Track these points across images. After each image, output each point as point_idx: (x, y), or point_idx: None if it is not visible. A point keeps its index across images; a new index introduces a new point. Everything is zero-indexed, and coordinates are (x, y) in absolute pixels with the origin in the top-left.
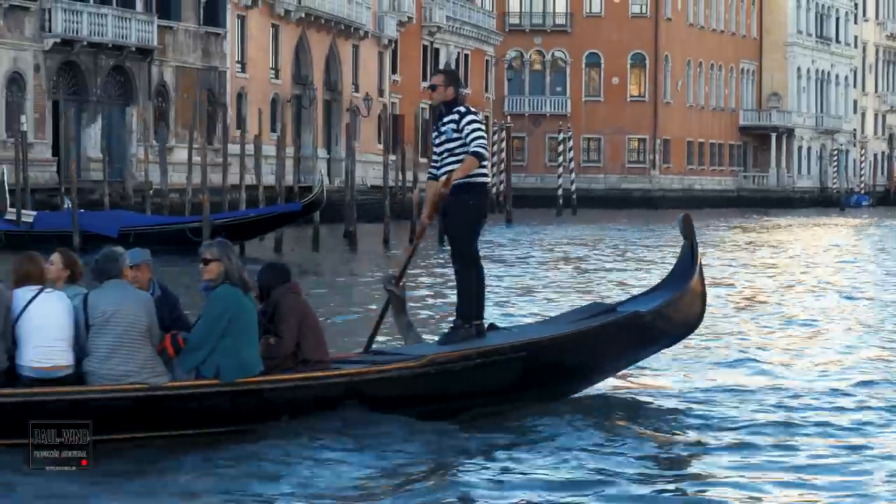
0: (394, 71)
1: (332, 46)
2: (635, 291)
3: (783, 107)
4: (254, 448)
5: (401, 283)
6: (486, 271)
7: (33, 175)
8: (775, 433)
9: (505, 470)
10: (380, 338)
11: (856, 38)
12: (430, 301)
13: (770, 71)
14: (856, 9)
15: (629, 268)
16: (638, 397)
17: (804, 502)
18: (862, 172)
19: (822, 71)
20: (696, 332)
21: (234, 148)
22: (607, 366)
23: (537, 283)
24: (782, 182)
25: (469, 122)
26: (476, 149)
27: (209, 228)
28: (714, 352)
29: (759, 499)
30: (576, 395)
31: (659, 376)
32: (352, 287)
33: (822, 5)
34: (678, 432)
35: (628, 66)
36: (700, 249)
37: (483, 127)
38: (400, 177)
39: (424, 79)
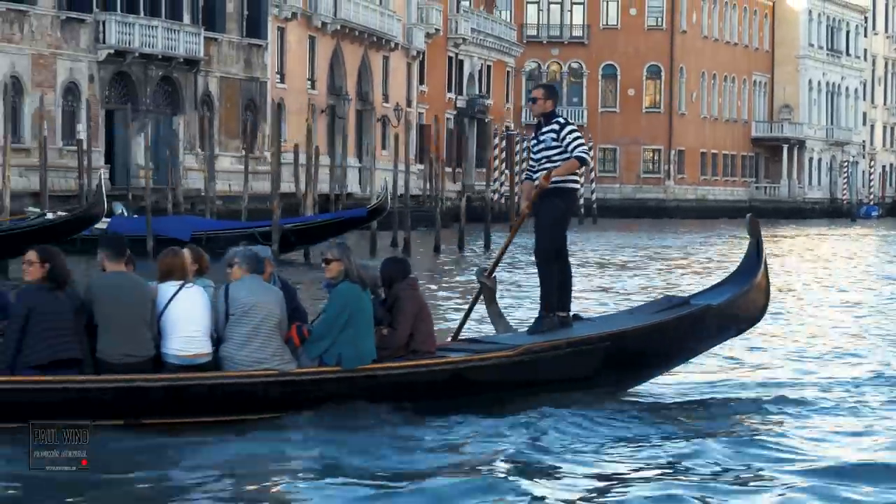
0: (420, 82)
1: (364, 58)
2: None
3: (794, 118)
4: (263, 442)
5: (492, 276)
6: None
7: (86, 182)
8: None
9: (566, 453)
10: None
11: (865, 51)
12: (516, 292)
13: (782, 83)
14: (866, 22)
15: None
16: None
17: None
18: (871, 184)
19: (833, 83)
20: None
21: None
22: (681, 355)
23: (614, 286)
24: (793, 193)
25: (570, 132)
26: (579, 153)
27: (279, 232)
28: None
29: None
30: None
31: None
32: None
33: (833, 19)
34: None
35: (644, 77)
36: (765, 250)
37: (582, 136)
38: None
39: (450, 90)
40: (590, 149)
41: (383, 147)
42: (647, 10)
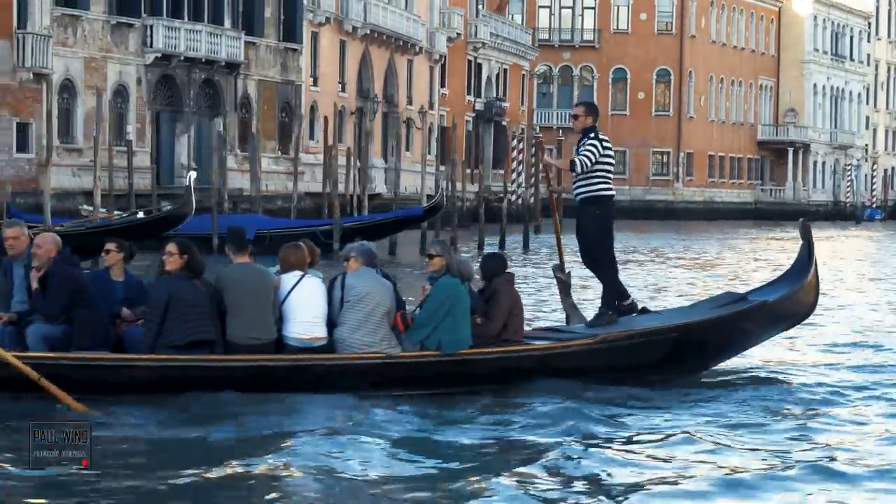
0: (441, 85)
1: (390, 61)
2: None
3: (799, 122)
4: (271, 438)
5: (566, 270)
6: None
7: (134, 181)
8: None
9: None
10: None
11: (869, 56)
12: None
13: (787, 87)
14: (869, 28)
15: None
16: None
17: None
18: (874, 187)
19: (837, 88)
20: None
21: (306, 157)
22: (739, 346)
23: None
24: (798, 195)
25: (589, 142)
26: (575, 157)
27: (339, 231)
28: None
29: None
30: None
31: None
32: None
33: (838, 24)
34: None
35: (653, 81)
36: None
37: (596, 150)
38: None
39: (469, 92)
40: (596, 160)
41: (407, 149)
42: (657, 15)
